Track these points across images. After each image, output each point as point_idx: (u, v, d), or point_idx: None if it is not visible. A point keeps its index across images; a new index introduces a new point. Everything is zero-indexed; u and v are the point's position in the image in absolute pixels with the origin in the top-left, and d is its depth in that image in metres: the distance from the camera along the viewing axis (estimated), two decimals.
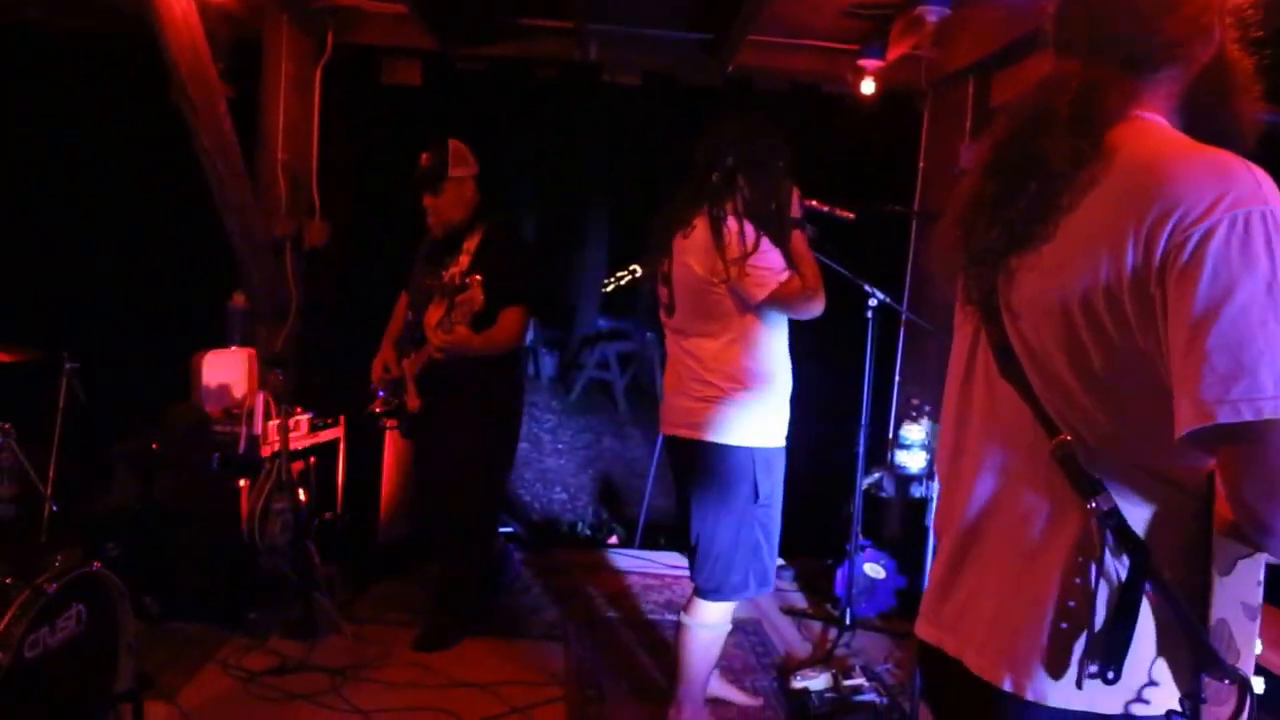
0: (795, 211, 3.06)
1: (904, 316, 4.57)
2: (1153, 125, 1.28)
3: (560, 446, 8.09)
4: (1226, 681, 1.20)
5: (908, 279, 5.11)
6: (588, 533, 5.94)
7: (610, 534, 5.85)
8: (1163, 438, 1.14)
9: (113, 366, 4.13)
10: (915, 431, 4.34)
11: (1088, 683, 1.23)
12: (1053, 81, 1.34)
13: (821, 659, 4.09)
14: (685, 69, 4.89)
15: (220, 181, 4.14)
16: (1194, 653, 1.20)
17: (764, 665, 4.03)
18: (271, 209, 4.56)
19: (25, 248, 4.85)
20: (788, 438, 3.19)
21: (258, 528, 3.87)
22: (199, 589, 4.01)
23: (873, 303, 3.89)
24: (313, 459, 4.36)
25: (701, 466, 3.13)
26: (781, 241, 3.00)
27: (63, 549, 3.02)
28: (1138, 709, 1.25)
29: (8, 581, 2.51)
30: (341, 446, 4.52)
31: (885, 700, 3.67)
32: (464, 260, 3.84)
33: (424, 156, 3.83)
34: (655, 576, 5.11)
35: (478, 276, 3.49)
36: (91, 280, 4.91)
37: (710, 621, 3.20)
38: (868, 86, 4.59)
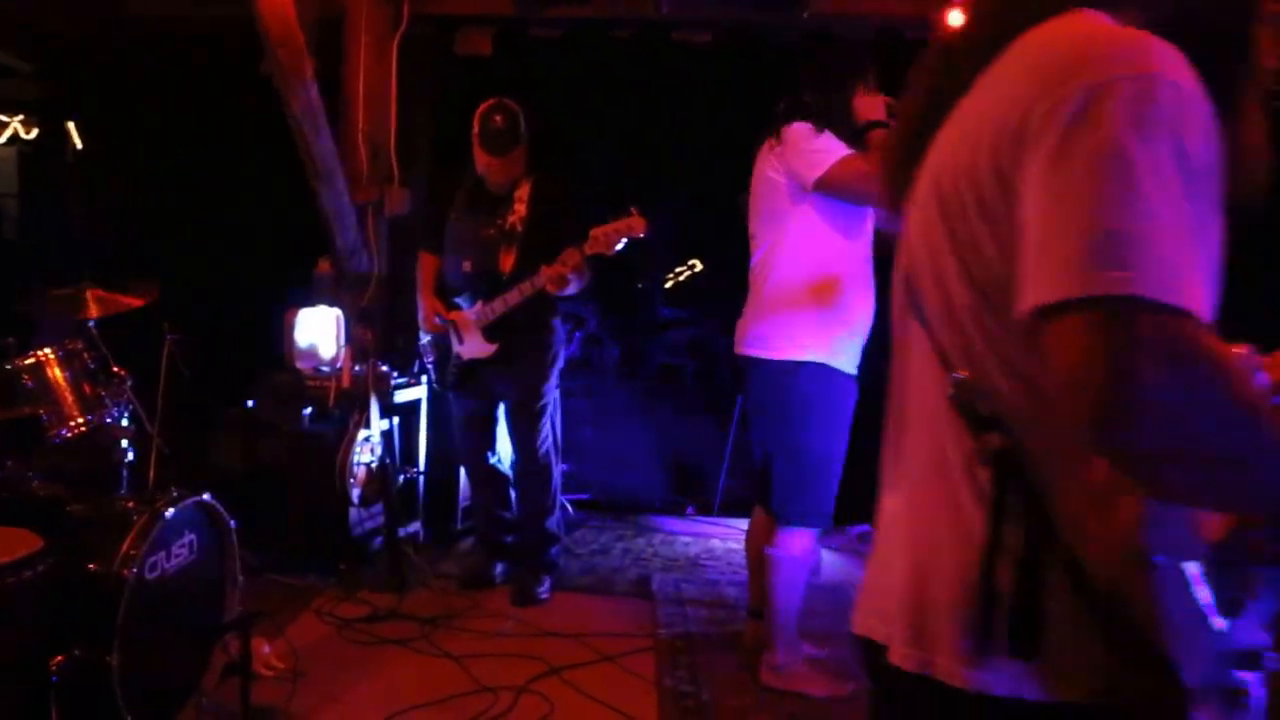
0: (878, 114, 3.04)
1: None
2: (1086, 14, 1.01)
3: (628, 432, 8.10)
4: (1141, 673, 0.94)
5: None
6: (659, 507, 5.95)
7: (686, 507, 5.85)
8: None
9: (207, 329, 4.27)
10: None
11: (998, 664, 1.00)
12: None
13: None
14: (760, 20, 4.84)
15: (309, 148, 4.25)
16: (1104, 636, 0.95)
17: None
18: (354, 177, 4.66)
19: (127, 221, 5.05)
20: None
21: (346, 480, 3.95)
22: (294, 543, 4.11)
23: None
24: (395, 418, 4.44)
25: (752, 383, 3.18)
26: (851, 140, 2.99)
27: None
28: (1061, 693, 0.99)
29: (129, 505, 2.61)
30: (423, 407, 4.60)
31: None
32: (520, 209, 3.98)
33: (497, 119, 3.89)
34: (737, 540, 5.11)
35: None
36: (186, 252, 5.09)
37: (791, 552, 3.17)
38: (956, 18, 4.44)
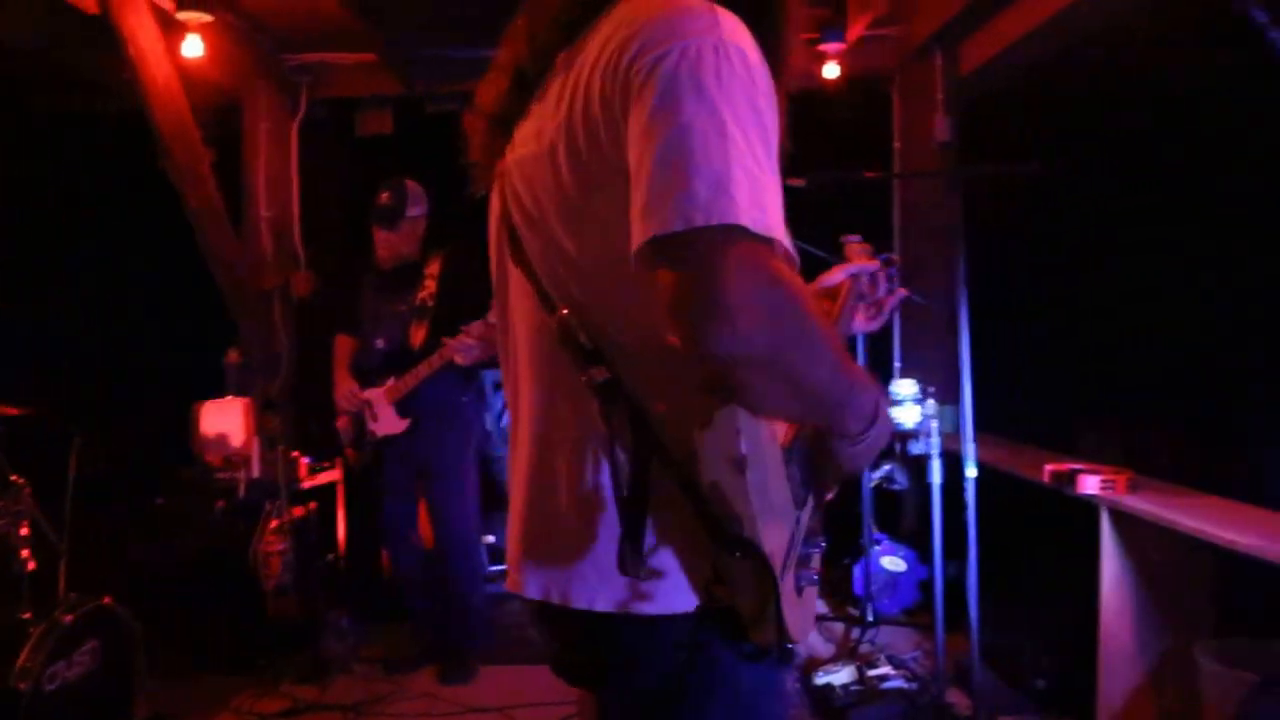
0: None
1: (898, 294, 4.52)
2: None
3: None
4: (738, 555, 1.07)
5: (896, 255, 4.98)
6: None
7: None
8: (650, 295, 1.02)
9: (114, 428, 4.22)
10: (906, 386, 4.21)
11: (609, 579, 1.12)
12: None
13: (844, 656, 4.03)
14: None
15: (209, 240, 4.27)
16: (708, 532, 1.09)
17: None
18: (257, 264, 4.67)
19: (27, 316, 4.98)
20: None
21: (261, 570, 3.91)
22: (210, 638, 4.03)
23: None
24: (313, 504, 4.41)
25: None
26: None
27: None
28: (656, 605, 1.13)
29: (25, 617, 2.56)
30: (340, 489, 4.57)
31: (915, 686, 3.58)
32: (430, 284, 4.05)
33: (383, 195, 3.99)
34: None
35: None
36: (90, 347, 5.03)
37: None
38: (831, 71, 4.50)
